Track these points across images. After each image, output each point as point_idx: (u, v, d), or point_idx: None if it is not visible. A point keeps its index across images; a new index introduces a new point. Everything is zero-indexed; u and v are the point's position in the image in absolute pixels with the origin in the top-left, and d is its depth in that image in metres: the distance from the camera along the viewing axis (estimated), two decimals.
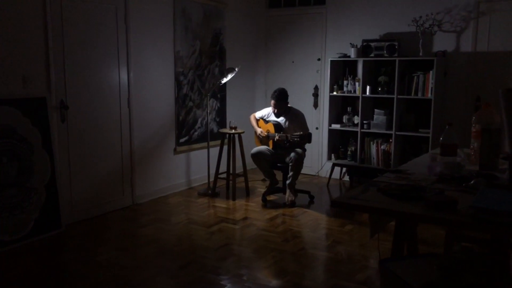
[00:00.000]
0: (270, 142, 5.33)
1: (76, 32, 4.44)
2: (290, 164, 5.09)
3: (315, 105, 6.66)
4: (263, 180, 6.37)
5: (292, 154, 5.06)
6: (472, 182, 2.50)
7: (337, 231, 4.44)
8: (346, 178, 6.52)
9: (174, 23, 5.52)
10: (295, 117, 5.31)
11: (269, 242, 4.15)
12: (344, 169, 6.53)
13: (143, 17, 5.12)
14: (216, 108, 6.30)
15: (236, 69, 5.45)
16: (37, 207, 4.11)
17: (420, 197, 2.26)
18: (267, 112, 5.49)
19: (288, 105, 5.35)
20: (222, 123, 6.42)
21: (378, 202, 2.26)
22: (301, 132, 4.98)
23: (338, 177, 6.52)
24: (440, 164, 2.87)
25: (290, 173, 5.15)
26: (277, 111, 5.28)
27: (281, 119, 5.33)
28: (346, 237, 4.28)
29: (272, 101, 5.26)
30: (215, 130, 6.23)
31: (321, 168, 6.64)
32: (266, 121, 5.45)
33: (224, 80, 5.49)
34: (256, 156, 5.22)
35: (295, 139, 4.95)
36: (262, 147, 5.29)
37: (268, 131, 5.33)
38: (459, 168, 2.83)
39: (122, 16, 4.87)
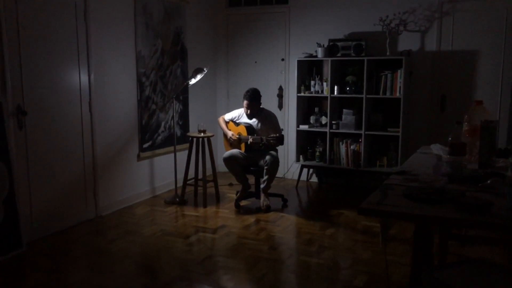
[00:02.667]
0: (242, 145, 5.11)
1: (33, 29, 3.99)
2: (266, 167, 4.89)
3: (280, 106, 6.52)
4: (230, 184, 6.14)
5: (268, 157, 4.87)
6: (488, 182, 2.44)
7: (320, 235, 4.31)
8: (314, 179, 6.44)
9: (135, 20, 5.16)
10: (268, 119, 5.13)
11: (254, 250, 3.93)
12: (311, 171, 6.44)
13: (103, 13, 4.73)
14: (179, 110, 5.98)
15: (205, 70, 5.18)
16: None
17: (448, 200, 2.17)
18: (237, 113, 5.26)
19: (260, 106, 5.16)
20: (185, 126, 6.12)
21: (408, 207, 2.13)
22: (277, 134, 4.80)
23: (305, 178, 6.42)
24: (445, 164, 2.80)
25: (265, 177, 4.96)
26: (250, 112, 5.07)
27: (253, 121, 5.13)
28: (330, 241, 4.15)
29: (245, 102, 5.05)
30: (179, 133, 5.92)
31: (288, 170, 6.51)
32: (237, 123, 5.22)
33: (193, 81, 5.20)
34: (229, 161, 4.98)
35: (271, 141, 4.77)
36: (235, 151, 5.06)
37: (239, 134, 5.11)
38: (463, 168, 2.77)
39: (82, 12, 4.46)
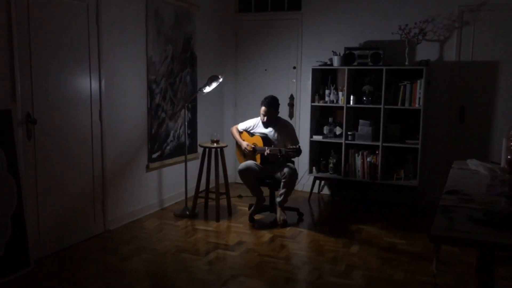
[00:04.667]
0: (258, 157, 4.88)
1: (44, 33, 3.73)
2: (283, 180, 4.67)
3: (291, 115, 6.32)
4: (239, 196, 5.91)
5: (286, 170, 4.65)
6: None
7: (344, 253, 4.09)
8: (325, 191, 6.23)
9: (147, 24, 4.93)
10: (285, 128, 4.92)
11: (279, 270, 3.70)
12: (322, 183, 6.24)
13: (115, 17, 4.49)
14: (187, 119, 5.74)
15: (221, 78, 4.96)
16: (1, 242, 3.36)
17: None
18: (252, 123, 5.04)
19: (278, 115, 4.95)
20: (193, 135, 5.88)
21: (485, 234, 1.94)
22: (297, 146, 4.59)
23: (316, 190, 6.21)
24: (500, 183, 2.61)
25: (282, 190, 4.73)
26: (266, 119, 4.84)
27: (269, 131, 4.91)
28: (357, 260, 3.94)
29: (263, 108, 4.81)
30: (187, 142, 5.66)
31: (298, 182, 6.29)
32: (251, 134, 5.00)
33: (208, 89, 4.97)
34: (245, 173, 4.75)
35: (290, 152, 4.55)
36: (250, 162, 4.83)
37: (255, 145, 4.89)
38: None
39: (94, 15, 4.21)
